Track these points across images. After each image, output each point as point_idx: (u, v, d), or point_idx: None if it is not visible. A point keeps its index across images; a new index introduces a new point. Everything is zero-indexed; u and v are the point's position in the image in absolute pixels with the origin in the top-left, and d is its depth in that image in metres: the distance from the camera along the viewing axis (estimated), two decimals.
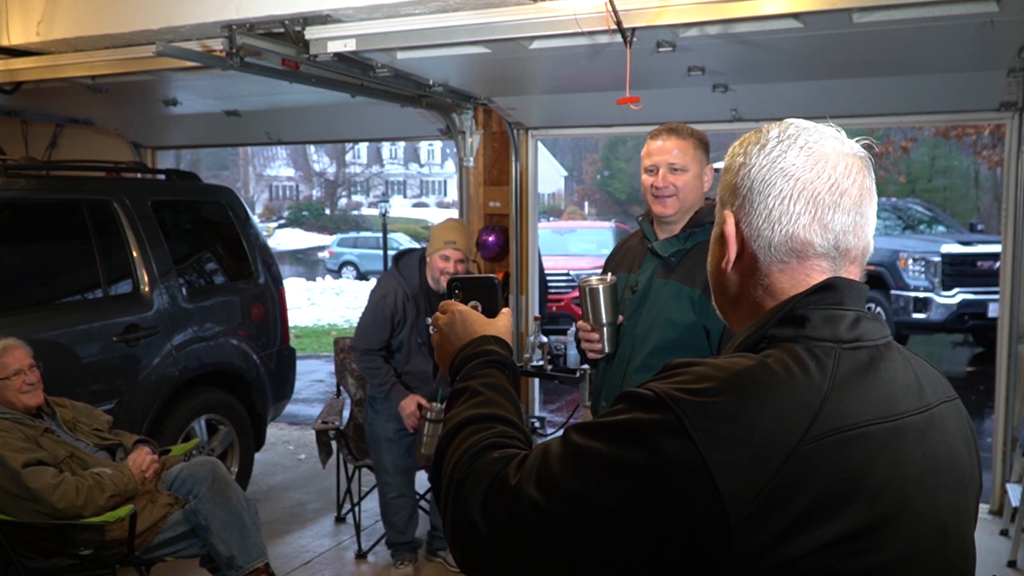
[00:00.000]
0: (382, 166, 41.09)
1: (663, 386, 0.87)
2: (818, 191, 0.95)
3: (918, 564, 0.88)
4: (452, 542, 0.97)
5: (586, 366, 2.63)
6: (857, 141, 1.00)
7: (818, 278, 0.96)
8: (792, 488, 0.81)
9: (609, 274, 2.41)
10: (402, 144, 39.50)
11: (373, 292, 4.00)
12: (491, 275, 1.36)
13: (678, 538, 0.82)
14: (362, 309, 4.04)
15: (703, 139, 2.41)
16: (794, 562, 0.81)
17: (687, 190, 2.35)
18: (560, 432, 0.99)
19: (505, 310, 1.31)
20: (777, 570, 0.81)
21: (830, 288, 0.94)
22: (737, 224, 0.99)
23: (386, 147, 40.89)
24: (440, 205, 38.84)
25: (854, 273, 0.98)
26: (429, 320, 1.30)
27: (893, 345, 0.97)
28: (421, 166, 42.60)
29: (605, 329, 2.35)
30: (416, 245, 25.15)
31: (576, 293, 10.90)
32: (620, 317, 2.37)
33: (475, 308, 1.30)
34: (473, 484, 0.95)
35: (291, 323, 5.86)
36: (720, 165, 1.08)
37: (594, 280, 2.36)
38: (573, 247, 12.56)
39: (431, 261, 3.82)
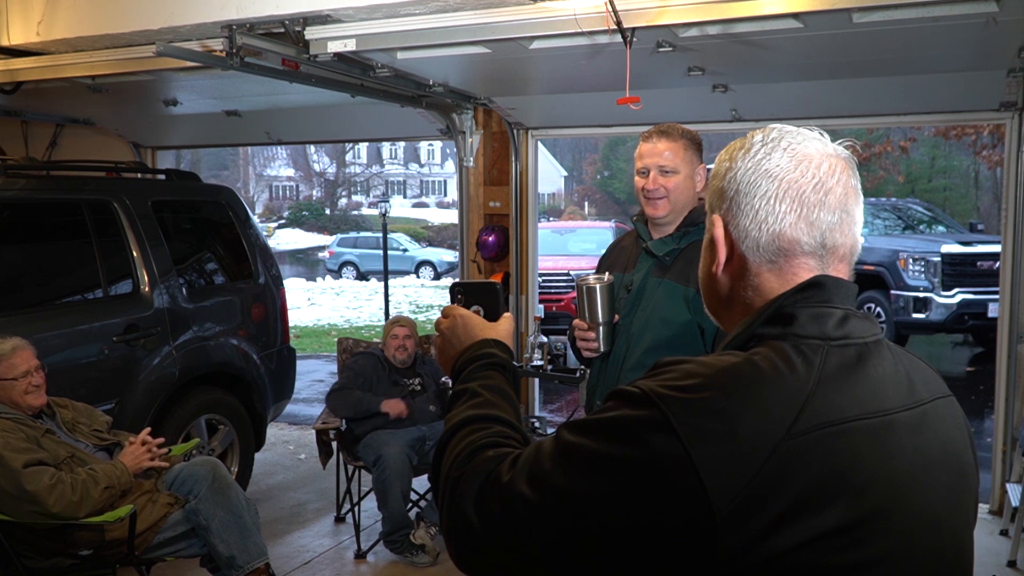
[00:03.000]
0: (382, 166, 41.08)
1: (650, 383, 0.88)
2: (803, 190, 0.96)
3: (911, 559, 0.89)
4: (447, 539, 0.99)
5: (583, 366, 2.65)
6: (840, 143, 1.02)
7: (805, 276, 0.97)
8: (777, 483, 0.82)
9: (606, 273, 2.42)
10: (402, 144, 39.49)
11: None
12: (493, 280, 1.40)
13: (665, 533, 0.83)
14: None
15: (695, 139, 2.40)
16: (783, 556, 0.81)
17: (678, 192, 2.35)
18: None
19: (507, 314, 1.34)
20: (766, 564, 0.81)
21: (817, 286, 0.96)
22: (726, 227, 1.01)
23: (386, 147, 40.89)
24: (440, 205, 38.83)
25: (843, 272, 0.99)
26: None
27: (883, 343, 0.98)
28: (421, 166, 42.60)
29: (601, 328, 2.36)
30: (416, 245, 25.26)
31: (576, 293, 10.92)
32: (616, 316, 2.38)
33: (477, 312, 1.33)
34: (468, 481, 0.97)
35: (291, 323, 5.86)
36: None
37: (591, 279, 2.36)
38: (573, 247, 12.58)
39: (386, 347, 4.59)
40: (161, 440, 3.35)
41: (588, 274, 2.41)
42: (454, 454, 1.02)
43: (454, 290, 1.38)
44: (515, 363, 1.23)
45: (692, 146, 2.38)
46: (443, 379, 4.62)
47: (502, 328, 1.30)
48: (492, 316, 1.33)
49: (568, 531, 0.87)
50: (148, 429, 3.40)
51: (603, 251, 2.70)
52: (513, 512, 0.91)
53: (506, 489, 0.92)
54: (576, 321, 2.41)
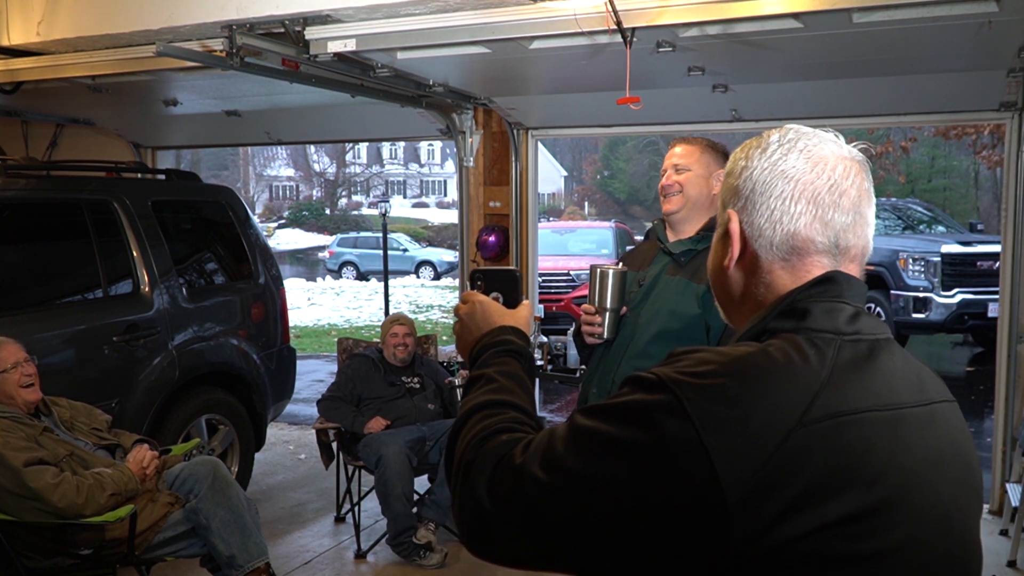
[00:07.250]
0: (382, 166, 41.10)
1: (665, 370, 0.90)
2: (818, 191, 0.98)
3: (919, 554, 0.89)
4: (459, 522, 1.00)
5: (584, 366, 2.67)
6: (854, 145, 1.03)
7: (818, 274, 0.98)
8: (788, 470, 0.83)
9: (621, 263, 2.50)
10: (402, 144, 39.52)
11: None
12: (513, 268, 1.42)
13: (676, 517, 0.84)
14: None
15: (716, 147, 2.48)
16: (792, 543, 0.82)
17: (690, 186, 2.42)
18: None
19: (525, 302, 1.35)
20: (775, 551, 0.82)
21: (830, 281, 0.97)
22: (740, 223, 1.02)
23: (386, 147, 40.91)
24: (440, 205, 38.83)
25: (854, 272, 1.01)
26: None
27: (893, 342, 0.99)
28: (421, 166, 42.61)
29: (608, 315, 2.40)
30: (416, 245, 25.26)
31: (576, 293, 10.97)
32: (624, 308, 2.42)
33: (496, 299, 1.34)
34: (481, 465, 0.98)
35: (291, 323, 5.86)
36: None
37: (606, 265, 2.44)
38: (573, 247, 12.58)
39: (385, 346, 4.58)
40: (156, 453, 3.36)
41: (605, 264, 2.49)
42: (468, 438, 1.03)
43: (474, 276, 1.40)
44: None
45: (710, 150, 2.46)
46: (447, 379, 4.63)
47: (520, 315, 1.30)
48: (511, 303, 1.34)
49: (579, 514, 0.88)
50: (152, 443, 3.43)
51: (602, 251, 2.76)
52: (525, 495, 0.92)
53: (519, 472, 0.93)
54: (585, 305, 2.46)
